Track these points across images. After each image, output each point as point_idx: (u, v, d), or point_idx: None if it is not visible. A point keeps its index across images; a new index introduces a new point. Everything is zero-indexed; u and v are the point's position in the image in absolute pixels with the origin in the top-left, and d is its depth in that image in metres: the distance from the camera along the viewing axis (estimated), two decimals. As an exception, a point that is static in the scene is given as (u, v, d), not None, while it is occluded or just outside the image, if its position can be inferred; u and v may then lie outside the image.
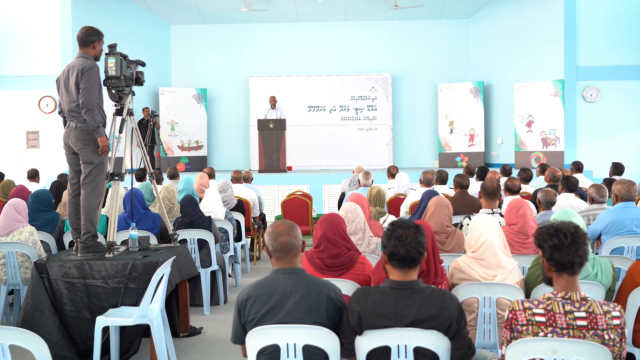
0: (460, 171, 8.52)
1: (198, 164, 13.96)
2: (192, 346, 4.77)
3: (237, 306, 2.74)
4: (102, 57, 4.59)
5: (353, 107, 14.56)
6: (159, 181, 8.32)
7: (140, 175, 8.00)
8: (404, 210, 6.88)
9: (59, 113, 4.62)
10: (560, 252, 2.34)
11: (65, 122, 4.54)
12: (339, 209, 7.53)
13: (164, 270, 4.05)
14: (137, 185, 7.04)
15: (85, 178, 4.43)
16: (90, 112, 4.31)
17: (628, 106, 12.14)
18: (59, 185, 7.57)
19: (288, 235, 2.74)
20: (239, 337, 2.74)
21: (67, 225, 5.72)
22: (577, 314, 2.30)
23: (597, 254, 4.67)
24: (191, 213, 5.78)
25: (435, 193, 5.43)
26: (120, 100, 4.73)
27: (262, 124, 12.28)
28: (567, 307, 2.31)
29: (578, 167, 8.33)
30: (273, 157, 12.26)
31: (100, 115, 4.40)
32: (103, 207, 5.42)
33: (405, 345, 2.51)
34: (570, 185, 6.04)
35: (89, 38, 4.50)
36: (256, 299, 2.68)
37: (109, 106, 4.59)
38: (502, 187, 6.11)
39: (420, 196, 5.88)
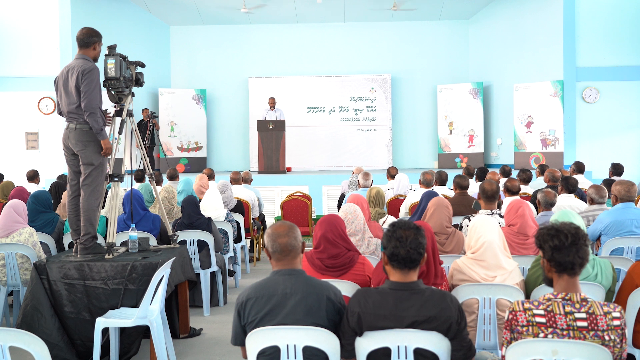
0: (460, 172, 8.52)
1: (197, 165, 13.96)
2: (192, 347, 4.77)
3: (236, 308, 2.74)
4: (102, 58, 4.59)
5: (352, 108, 14.57)
6: (159, 182, 8.32)
7: (138, 176, 8.00)
8: (404, 211, 6.88)
9: (59, 114, 4.62)
10: (560, 253, 2.34)
11: None
12: (338, 210, 7.52)
13: (164, 271, 4.05)
14: (136, 186, 7.04)
15: (85, 179, 4.43)
16: (93, 115, 4.32)
17: (627, 107, 12.15)
18: (59, 186, 7.57)
19: (288, 237, 2.74)
20: (239, 339, 2.74)
21: (67, 226, 5.72)
22: (577, 315, 2.29)
23: (596, 254, 4.67)
24: (190, 214, 5.78)
25: (435, 194, 5.43)
26: (120, 101, 4.73)
27: (262, 125, 12.28)
28: (568, 308, 2.31)
29: (579, 167, 8.33)
30: (272, 158, 12.26)
31: (102, 117, 4.41)
32: (102, 208, 5.41)
33: (406, 347, 2.50)
34: (570, 186, 6.04)
35: (90, 39, 4.50)
36: (256, 300, 2.67)
37: (108, 107, 4.59)
38: (502, 188, 6.12)
39: (419, 197, 5.88)
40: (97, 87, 4.37)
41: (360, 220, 4.18)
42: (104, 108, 4.50)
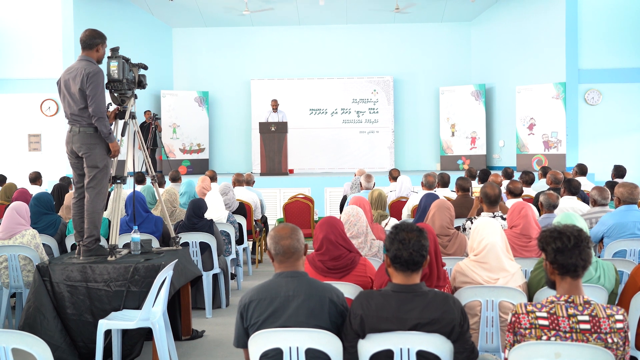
0: (462, 174, 8.52)
1: (200, 167, 13.97)
2: (194, 349, 4.77)
3: (239, 310, 2.74)
4: (105, 60, 4.60)
5: (355, 109, 14.57)
6: (161, 184, 8.32)
7: (139, 178, 8.00)
8: (406, 213, 6.88)
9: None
10: (563, 255, 2.33)
11: None
12: (340, 212, 7.52)
13: (166, 273, 4.05)
14: (139, 188, 7.04)
15: (89, 182, 4.44)
16: (101, 120, 4.33)
17: (630, 109, 12.14)
18: (61, 188, 7.57)
19: (290, 239, 2.74)
20: (242, 341, 2.74)
21: (70, 228, 5.73)
22: (580, 318, 2.29)
23: (599, 257, 4.66)
24: (190, 216, 5.77)
25: (434, 196, 5.44)
26: (123, 103, 4.74)
27: (264, 127, 12.29)
28: (571, 311, 2.31)
29: (582, 170, 8.31)
30: (275, 160, 12.27)
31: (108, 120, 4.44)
32: (105, 210, 5.42)
33: (408, 349, 2.50)
34: (572, 188, 6.03)
35: (93, 41, 4.50)
36: (258, 302, 2.67)
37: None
38: (504, 190, 6.12)
39: (421, 199, 5.88)
40: (103, 90, 4.39)
41: (362, 222, 4.18)
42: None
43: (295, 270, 2.74)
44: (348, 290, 3.18)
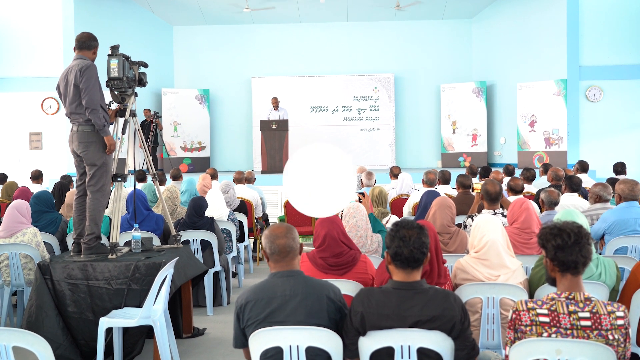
0: (463, 171, 8.51)
1: (201, 165, 13.97)
2: (195, 347, 4.77)
3: (235, 311, 2.73)
4: (105, 58, 4.59)
5: (355, 107, 14.56)
6: (162, 182, 8.32)
7: (140, 176, 8.00)
8: (407, 210, 6.88)
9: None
10: (563, 252, 2.33)
11: None
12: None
13: (167, 271, 4.05)
14: (139, 186, 7.04)
15: (90, 180, 4.43)
16: (95, 112, 4.31)
17: (631, 106, 12.12)
18: (62, 186, 7.57)
19: (286, 238, 2.73)
20: (240, 341, 2.74)
21: (70, 226, 5.73)
22: (581, 314, 2.29)
23: (600, 253, 4.66)
24: (191, 214, 5.77)
25: (435, 193, 5.43)
26: (123, 101, 4.73)
27: (265, 125, 12.28)
28: (571, 308, 2.30)
29: (583, 166, 8.31)
30: (276, 158, 12.25)
31: (105, 114, 4.42)
32: (106, 208, 5.42)
33: (409, 346, 2.50)
34: (574, 185, 6.03)
35: (91, 42, 4.52)
36: (255, 303, 2.66)
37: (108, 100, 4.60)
38: (505, 187, 6.11)
39: (422, 196, 5.87)
40: (97, 83, 4.37)
41: (362, 215, 4.17)
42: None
43: (290, 270, 2.73)
44: (349, 287, 3.18)
